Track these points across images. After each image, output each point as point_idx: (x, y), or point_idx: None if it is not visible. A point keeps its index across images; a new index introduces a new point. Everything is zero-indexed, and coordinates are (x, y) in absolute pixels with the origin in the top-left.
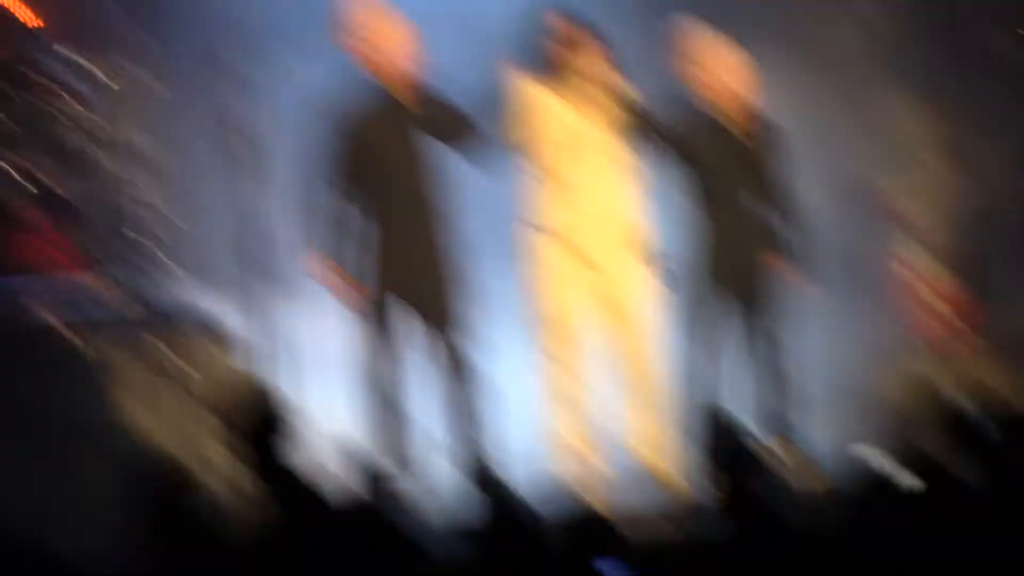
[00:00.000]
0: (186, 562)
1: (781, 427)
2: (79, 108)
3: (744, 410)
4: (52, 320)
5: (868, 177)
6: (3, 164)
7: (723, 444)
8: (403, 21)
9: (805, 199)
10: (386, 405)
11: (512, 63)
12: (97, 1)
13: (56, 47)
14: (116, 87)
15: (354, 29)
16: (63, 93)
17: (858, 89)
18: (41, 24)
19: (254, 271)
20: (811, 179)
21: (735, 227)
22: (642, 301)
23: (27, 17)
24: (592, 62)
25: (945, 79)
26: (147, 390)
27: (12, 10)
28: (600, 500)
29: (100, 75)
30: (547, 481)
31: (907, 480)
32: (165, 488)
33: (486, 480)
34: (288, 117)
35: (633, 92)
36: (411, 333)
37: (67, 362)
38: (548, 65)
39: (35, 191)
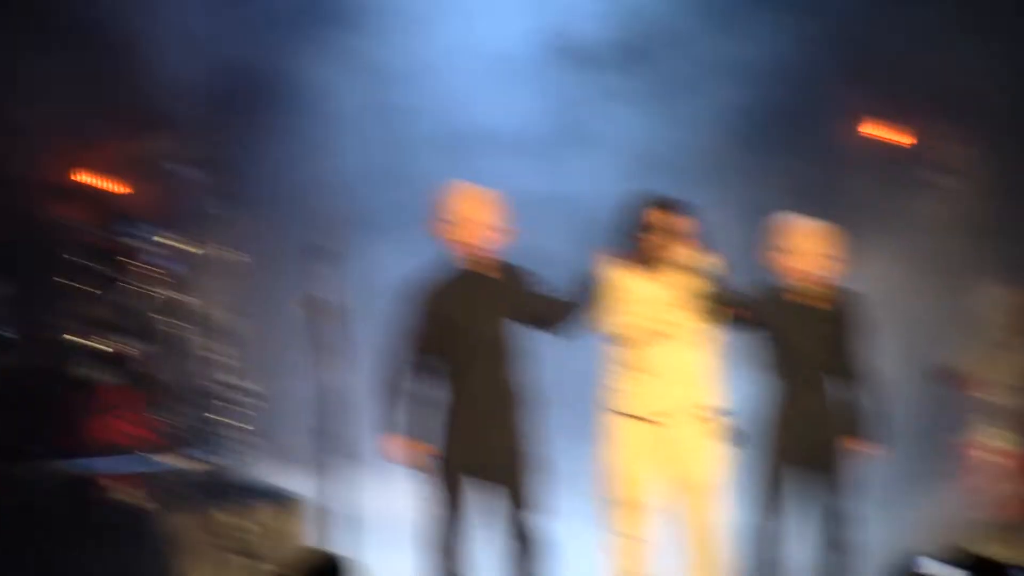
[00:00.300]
0: None
1: None
2: (165, 288)
3: None
4: (131, 497)
5: (949, 356)
6: (88, 343)
7: None
8: (495, 204)
9: (884, 375)
10: (449, 572)
11: (605, 249)
12: (186, 181)
13: (145, 227)
14: (201, 266)
15: (445, 212)
16: (150, 273)
17: (945, 270)
18: (130, 205)
19: (331, 445)
20: (892, 356)
21: (812, 400)
22: (714, 477)
23: (120, 198)
24: (683, 249)
25: None
26: (223, 564)
27: (106, 191)
28: None
29: (185, 254)
30: None
31: None
32: None
33: None
34: (371, 295)
35: (718, 272)
36: (481, 506)
37: (144, 536)
38: (640, 251)
39: (119, 370)
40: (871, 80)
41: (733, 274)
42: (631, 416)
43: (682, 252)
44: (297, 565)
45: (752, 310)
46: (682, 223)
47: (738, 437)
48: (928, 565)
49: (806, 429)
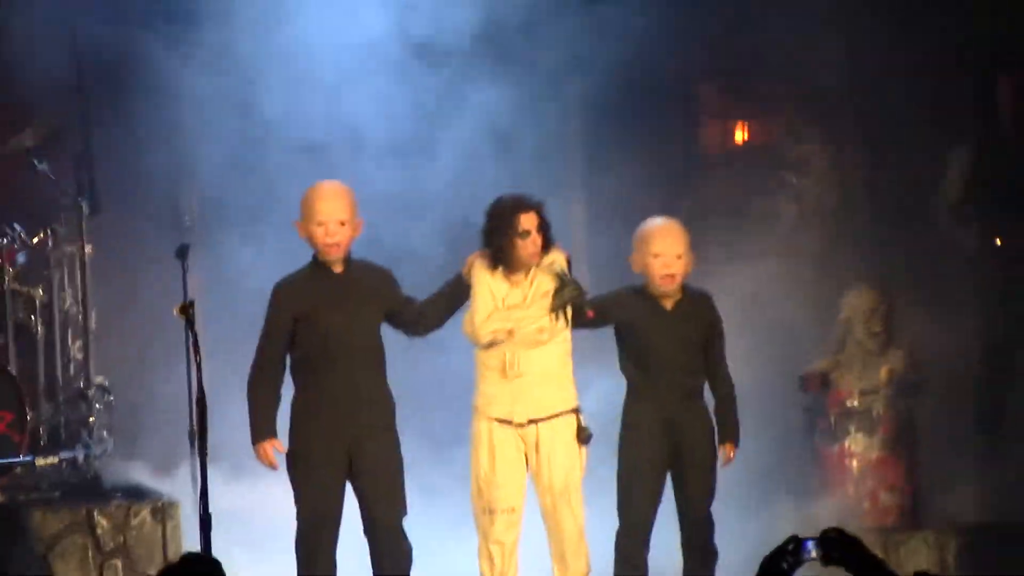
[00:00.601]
0: None
1: None
2: (25, 283)
3: None
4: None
5: (816, 361)
6: None
7: None
8: (351, 198)
9: (749, 380)
10: None
11: (472, 250)
12: (40, 172)
13: (2, 220)
14: (59, 261)
15: (303, 208)
16: (8, 268)
17: (796, 266)
18: None
19: (198, 446)
20: (757, 361)
21: (673, 403)
22: (578, 481)
23: None
24: (548, 250)
25: (880, 252)
26: (97, 566)
27: None
28: None
29: (44, 249)
30: None
31: None
32: None
33: None
34: (227, 292)
35: (567, 271)
36: (350, 509)
37: (13, 535)
38: (507, 254)
39: None
40: (732, 78)
41: (591, 272)
42: (498, 420)
43: (548, 254)
44: (174, 570)
45: (597, 308)
46: (545, 223)
47: (585, 434)
48: (813, 550)
49: (668, 432)
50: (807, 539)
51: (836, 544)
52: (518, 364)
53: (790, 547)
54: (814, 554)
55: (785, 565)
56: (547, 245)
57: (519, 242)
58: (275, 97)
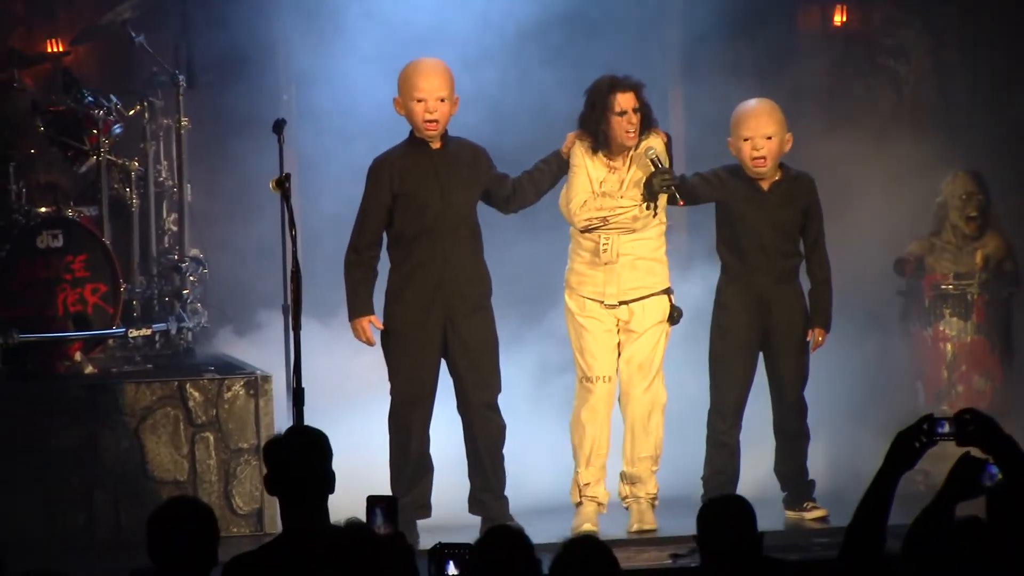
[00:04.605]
0: None
1: (801, 491)
2: (121, 156)
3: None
4: (91, 368)
5: (903, 240)
6: (44, 211)
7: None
8: (448, 75)
9: (838, 259)
10: (412, 452)
11: (571, 131)
12: (135, 47)
13: (97, 93)
14: (156, 134)
15: (406, 87)
16: (104, 139)
17: (893, 152)
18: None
19: (292, 320)
20: (845, 241)
21: (766, 285)
22: (660, 359)
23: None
24: (645, 133)
25: (978, 142)
26: (183, 439)
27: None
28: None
29: (140, 121)
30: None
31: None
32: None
33: (505, 534)
34: (328, 169)
35: (664, 153)
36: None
37: (105, 408)
38: (601, 133)
39: (77, 239)
40: None
41: (688, 161)
42: (590, 299)
43: (646, 139)
44: (281, 441)
45: (690, 194)
46: (644, 106)
47: (676, 314)
48: (948, 427)
49: (760, 314)
50: (941, 418)
51: (970, 424)
52: (612, 249)
53: (924, 426)
54: (948, 429)
55: (918, 444)
56: (646, 128)
57: (614, 120)
58: None
